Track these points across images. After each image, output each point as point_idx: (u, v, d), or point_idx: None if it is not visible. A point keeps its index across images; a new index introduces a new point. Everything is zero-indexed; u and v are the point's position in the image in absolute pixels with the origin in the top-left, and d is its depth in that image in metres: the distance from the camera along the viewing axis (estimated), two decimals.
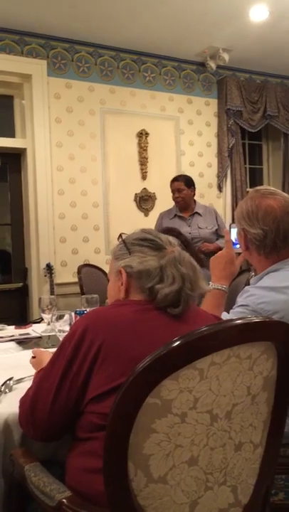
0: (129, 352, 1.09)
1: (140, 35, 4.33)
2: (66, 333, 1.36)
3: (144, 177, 4.72)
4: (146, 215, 4.75)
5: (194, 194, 3.88)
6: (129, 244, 1.24)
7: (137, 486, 0.92)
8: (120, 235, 1.30)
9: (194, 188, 3.85)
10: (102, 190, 4.56)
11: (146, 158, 4.71)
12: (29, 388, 1.22)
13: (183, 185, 3.79)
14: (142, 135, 4.68)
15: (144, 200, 4.73)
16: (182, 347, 0.91)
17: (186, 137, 4.98)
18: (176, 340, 0.90)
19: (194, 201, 3.89)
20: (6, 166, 4.43)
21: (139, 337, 1.12)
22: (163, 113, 4.84)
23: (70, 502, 0.98)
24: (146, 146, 4.70)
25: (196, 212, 3.82)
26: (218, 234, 3.79)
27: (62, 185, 4.37)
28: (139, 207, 4.72)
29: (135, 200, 4.71)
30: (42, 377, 1.17)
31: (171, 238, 1.28)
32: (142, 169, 4.71)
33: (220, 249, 3.58)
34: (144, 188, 4.72)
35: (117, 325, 1.14)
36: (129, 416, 0.89)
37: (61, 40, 4.31)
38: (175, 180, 3.84)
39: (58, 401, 1.11)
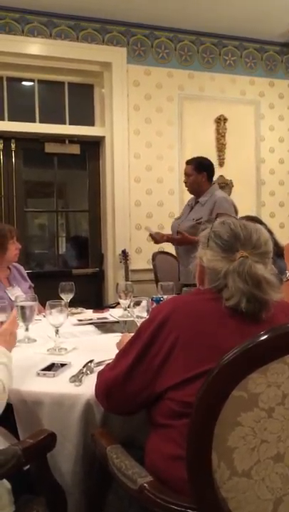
0: (209, 341, 1.10)
1: (221, 16, 4.20)
2: (145, 319, 1.38)
3: (221, 164, 4.62)
4: None
5: (206, 180, 3.39)
6: (210, 236, 1.21)
7: (220, 478, 0.91)
8: (216, 217, 1.26)
9: (207, 173, 3.39)
10: (178, 178, 4.52)
11: (224, 145, 4.61)
12: (108, 364, 1.30)
13: (191, 169, 3.39)
14: (221, 121, 4.57)
15: (221, 188, 4.60)
16: (272, 340, 0.88)
17: (267, 122, 4.79)
18: (266, 333, 0.88)
19: (207, 189, 3.39)
20: (85, 154, 4.53)
21: (218, 326, 1.12)
22: (243, 97, 4.69)
23: (151, 487, 0.99)
24: (225, 132, 4.59)
25: (198, 202, 3.39)
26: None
27: (138, 173, 4.40)
28: None
29: None
30: (120, 355, 1.25)
31: (255, 235, 1.19)
32: (219, 156, 4.61)
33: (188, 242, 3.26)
34: (221, 176, 4.62)
35: (196, 314, 1.15)
36: (214, 407, 0.88)
37: (141, 26, 4.31)
38: (186, 163, 3.48)
39: (132, 379, 1.17)
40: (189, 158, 4.48)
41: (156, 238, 3.52)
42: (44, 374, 1.51)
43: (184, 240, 3.28)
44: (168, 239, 3.49)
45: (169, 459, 1.07)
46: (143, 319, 1.83)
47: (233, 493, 0.92)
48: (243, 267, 1.12)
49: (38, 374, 1.51)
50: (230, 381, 0.87)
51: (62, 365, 1.56)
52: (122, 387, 1.19)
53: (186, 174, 3.44)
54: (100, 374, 1.31)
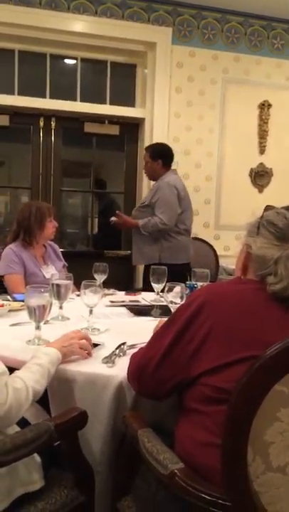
0: (246, 330, 1.09)
1: None
2: (179, 304, 1.36)
3: (262, 151, 4.51)
4: (260, 191, 4.56)
5: (161, 166, 3.40)
6: (261, 224, 1.19)
7: (254, 472, 0.90)
8: (266, 208, 1.23)
9: (162, 160, 3.40)
10: (217, 164, 4.45)
11: (267, 132, 4.48)
12: (142, 347, 1.30)
13: (148, 156, 3.43)
14: (264, 106, 4.44)
15: (260, 176, 4.54)
16: None
17: None
18: None
19: (162, 175, 3.40)
20: (124, 136, 4.50)
21: (257, 316, 1.11)
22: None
23: (182, 474, 0.98)
24: (268, 119, 4.46)
25: (151, 188, 3.46)
26: (154, 210, 3.30)
27: (176, 157, 4.27)
28: (254, 182, 4.54)
29: (250, 175, 4.53)
30: (154, 338, 1.24)
31: None
32: (260, 143, 4.49)
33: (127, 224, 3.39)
34: (261, 163, 4.52)
35: (235, 303, 1.14)
36: (254, 400, 0.86)
37: (188, 6, 4.20)
38: (145, 149, 3.51)
39: (164, 364, 1.16)
40: (230, 143, 4.43)
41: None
42: None
43: (123, 223, 3.45)
44: (114, 223, 3.51)
45: (201, 446, 1.06)
46: (177, 305, 1.82)
47: (266, 487, 0.91)
48: None
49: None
50: (273, 375, 0.85)
51: (96, 345, 1.57)
52: (154, 371, 1.18)
53: (144, 161, 3.50)
54: (133, 357, 1.31)
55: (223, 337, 1.09)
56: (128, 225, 3.46)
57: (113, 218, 3.49)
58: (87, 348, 1.47)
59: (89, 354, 1.47)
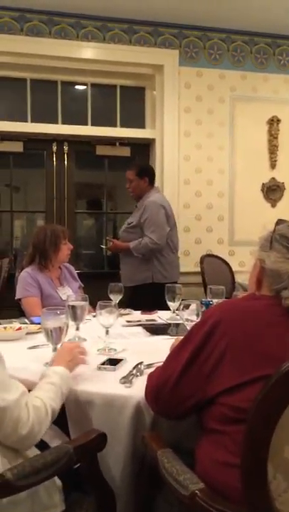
0: (263, 347, 1.08)
1: (275, 16, 4.11)
2: (195, 322, 1.36)
3: (272, 166, 4.52)
4: (273, 205, 4.56)
5: (147, 184, 3.44)
6: (274, 238, 1.19)
7: (275, 490, 0.89)
8: (277, 222, 1.23)
9: (149, 178, 3.44)
10: (228, 180, 4.47)
11: (277, 146, 4.50)
12: (158, 366, 1.30)
13: (133, 174, 3.42)
14: (273, 122, 4.47)
15: (272, 191, 4.54)
16: None
17: None
18: None
19: (147, 194, 3.42)
20: (135, 157, 4.56)
21: (273, 333, 1.10)
22: None
23: (203, 494, 0.97)
24: (277, 134, 4.49)
25: (137, 207, 3.47)
26: (142, 230, 3.31)
27: (188, 175, 4.38)
28: (267, 197, 4.54)
29: (262, 190, 4.54)
30: (171, 357, 1.24)
31: None
32: (271, 158, 4.51)
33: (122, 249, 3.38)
34: (273, 178, 4.53)
35: (250, 319, 1.14)
36: (271, 417, 0.85)
37: (194, 28, 4.29)
38: (128, 168, 3.50)
39: (182, 383, 1.16)
40: (241, 159, 4.45)
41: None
42: (105, 368, 1.55)
43: (114, 248, 3.45)
44: (106, 248, 3.58)
45: (222, 466, 1.05)
46: (193, 323, 1.81)
47: None
48: None
49: (99, 368, 1.55)
50: None
51: (118, 360, 1.60)
52: (172, 391, 1.18)
53: (129, 180, 3.47)
54: (150, 376, 1.31)
55: (239, 355, 1.08)
56: (119, 248, 3.44)
57: (103, 245, 3.52)
58: (85, 352, 1.56)
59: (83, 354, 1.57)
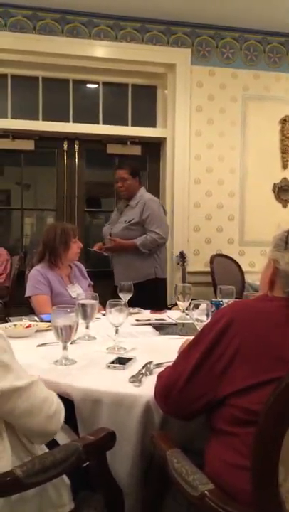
0: (275, 349, 1.07)
1: (288, 15, 4.08)
2: (206, 322, 1.35)
3: (284, 166, 4.49)
4: (284, 206, 4.53)
5: (138, 183, 3.46)
6: None
7: (286, 492, 0.87)
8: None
9: (138, 177, 3.47)
10: (239, 180, 4.45)
11: None
12: (168, 366, 1.28)
13: (127, 173, 3.40)
14: (286, 122, 4.44)
15: (284, 191, 4.51)
16: None
17: None
18: None
19: (138, 192, 3.45)
20: (146, 156, 4.56)
21: (285, 335, 1.08)
22: None
23: (213, 495, 0.97)
24: None
25: (129, 205, 3.45)
26: (145, 227, 3.33)
27: (199, 174, 4.37)
28: (278, 197, 4.51)
29: (274, 190, 4.51)
30: (181, 357, 1.23)
31: None
32: (283, 158, 4.48)
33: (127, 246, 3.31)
34: (285, 178, 4.50)
35: (262, 320, 1.12)
36: (282, 419, 0.84)
37: (206, 27, 4.27)
38: (119, 167, 3.49)
39: (192, 383, 1.15)
40: (252, 159, 4.43)
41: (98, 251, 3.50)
42: (114, 367, 1.55)
43: (119, 246, 3.35)
44: (106, 248, 3.45)
45: (232, 468, 1.04)
46: (203, 323, 1.80)
47: None
48: None
49: (109, 367, 1.55)
50: None
51: (128, 359, 1.60)
52: (181, 391, 1.17)
53: (122, 179, 3.44)
54: (159, 376, 1.30)
55: (251, 357, 1.07)
56: (124, 246, 3.36)
57: (94, 248, 3.45)
58: None
59: None
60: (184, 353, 1.22)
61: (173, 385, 1.19)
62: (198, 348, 1.16)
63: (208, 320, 1.68)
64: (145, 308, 2.66)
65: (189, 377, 1.15)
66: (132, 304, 2.70)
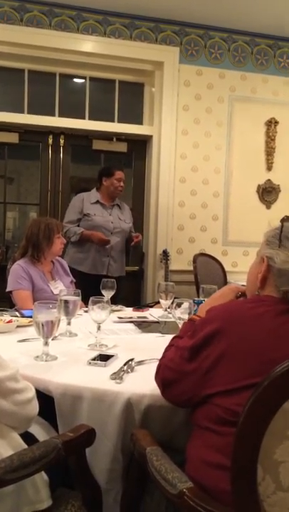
0: (266, 352, 1.05)
1: (277, 18, 4.11)
2: (201, 318, 1.32)
3: (269, 168, 4.53)
4: (268, 207, 4.57)
5: None
6: (283, 236, 1.16)
7: (264, 491, 0.88)
8: (283, 218, 1.19)
9: None
10: (224, 180, 4.47)
11: (274, 148, 4.50)
12: (166, 351, 1.31)
13: (124, 176, 3.76)
14: (271, 124, 4.47)
15: (268, 192, 4.55)
16: None
17: None
18: None
19: None
20: (132, 153, 4.54)
21: (274, 340, 1.07)
22: None
23: (191, 493, 0.97)
24: (275, 136, 4.49)
25: (117, 204, 3.80)
26: (131, 231, 3.83)
27: (184, 173, 4.38)
28: (262, 199, 4.55)
29: (258, 191, 4.54)
30: (178, 338, 1.30)
31: None
32: (267, 160, 4.52)
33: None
34: (269, 180, 4.53)
35: (251, 327, 1.10)
36: (263, 419, 0.85)
37: (195, 26, 4.27)
38: (120, 169, 3.77)
39: (180, 377, 1.18)
40: (237, 160, 4.45)
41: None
42: (96, 363, 1.54)
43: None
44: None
45: (213, 467, 1.04)
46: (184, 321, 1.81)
47: (277, 508, 0.89)
48: None
49: (90, 363, 1.55)
50: (282, 393, 0.84)
51: (109, 356, 1.59)
52: (172, 382, 1.20)
53: (123, 180, 3.73)
54: (159, 366, 1.29)
55: (239, 359, 1.07)
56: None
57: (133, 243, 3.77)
58: None
59: None
60: (178, 342, 1.26)
61: (165, 375, 1.23)
62: (191, 340, 1.17)
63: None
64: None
65: (178, 372, 1.19)
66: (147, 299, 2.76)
